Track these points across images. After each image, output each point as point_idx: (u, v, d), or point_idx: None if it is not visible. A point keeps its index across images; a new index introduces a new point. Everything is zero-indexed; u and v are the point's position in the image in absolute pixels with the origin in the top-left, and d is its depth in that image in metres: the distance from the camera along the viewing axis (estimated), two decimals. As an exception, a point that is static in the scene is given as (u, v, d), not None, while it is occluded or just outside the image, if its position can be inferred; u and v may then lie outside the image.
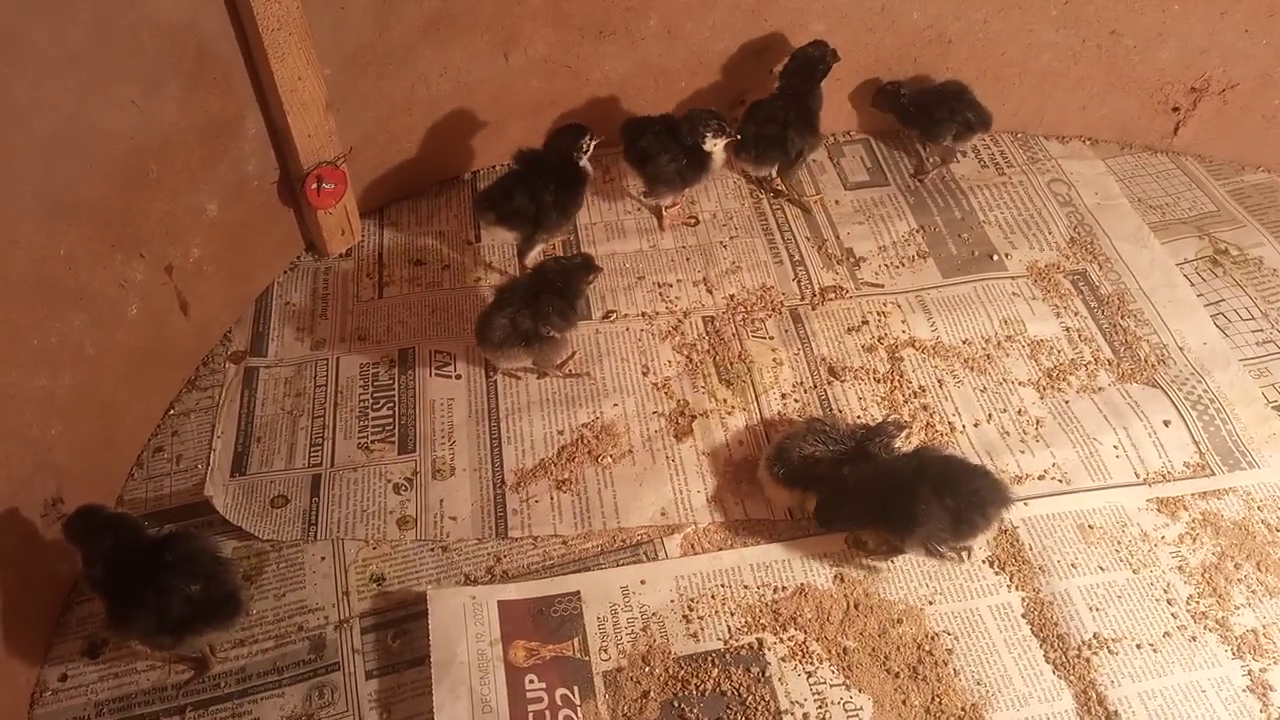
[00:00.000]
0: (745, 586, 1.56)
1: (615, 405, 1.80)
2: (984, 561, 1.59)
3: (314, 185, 1.89)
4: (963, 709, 1.43)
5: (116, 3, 1.45)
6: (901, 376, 1.83)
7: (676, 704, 1.44)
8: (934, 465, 1.54)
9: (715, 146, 2.00)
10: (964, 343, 1.89)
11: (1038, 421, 1.76)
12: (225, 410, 1.80)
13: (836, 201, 2.17)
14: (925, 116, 2.12)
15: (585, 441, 1.75)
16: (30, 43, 1.35)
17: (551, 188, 1.88)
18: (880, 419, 1.70)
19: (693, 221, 2.13)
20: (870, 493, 1.54)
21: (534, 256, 1.95)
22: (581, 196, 1.95)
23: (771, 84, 2.12)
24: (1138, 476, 1.69)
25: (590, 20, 2.04)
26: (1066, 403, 1.79)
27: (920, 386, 1.82)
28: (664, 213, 2.11)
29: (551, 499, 1.68)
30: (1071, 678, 1.46)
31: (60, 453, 1.52)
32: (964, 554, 1.58)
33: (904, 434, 1.64)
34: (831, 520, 1.59)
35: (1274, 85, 2.11)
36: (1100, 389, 1.81)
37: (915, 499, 1.49)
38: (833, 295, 1.98)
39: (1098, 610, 1.53)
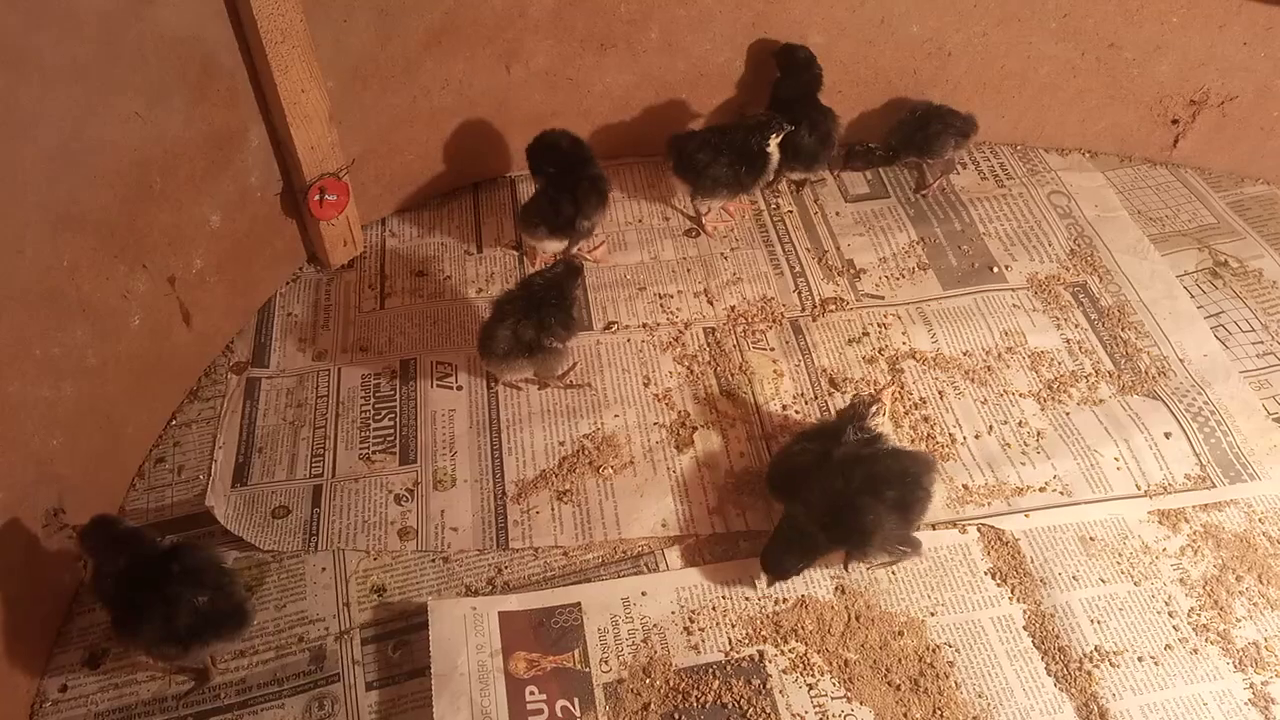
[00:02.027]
0: (746, 598, 1.56)
1: (616, 416, 1.81)
2: (985, 573, 1.59)
3: (316, 197, 1.90)
4: (964, 721, 1.43)
5: (122, 15, 1.46)
6: (902, 388, 1.83)
7: (677, 716, 1.43)
8: (855, 470, 1.51)
9: (773, 145, 2.03)
10: (964, 354, 1.89)
11: (1039, 433, 1.77)
12: (227, 421, 1.80)
13: (837, 213, 2.18)
14: (918, 136, 2.11)
15: (586, 452, 1.75)
16: (36, 54, 1.35)
17: (583, 184, 1.94)
18: (850, 401, 1.69)
19: (694, 232, 2.14)
20: (814, 521, 1.50)
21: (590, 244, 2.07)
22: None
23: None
24: (1139, 489, 1.69)
25: (592, 33, 2.06)
26: (1067, 414, 1.79)
27: (921, 398, 1.82)
28: (705, 219, 2.14)
29: (552, 510, 1.68)
30: (1073, 690, 1.46)
31: (62, 463, 1.52)
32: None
33: (874, 409, 1.62)
34: (782, 568, 1.52)
35: (1272, 98, 2.12)
36: (1101, 401, 1.81)
37: (859, 512, 1.47)
38: (833, 307, 1.98)
39: (1099, 623, 1.53)
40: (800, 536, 1.51)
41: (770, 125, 2.00)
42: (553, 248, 2.01)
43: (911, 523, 1.54)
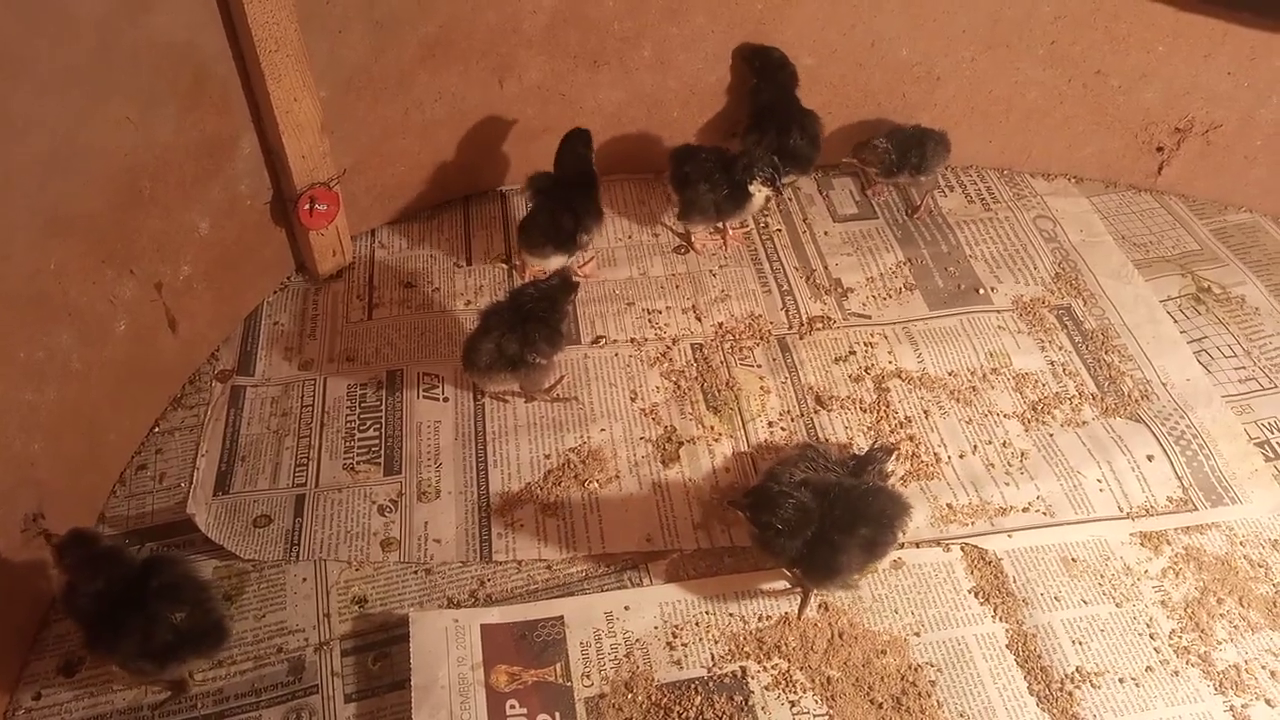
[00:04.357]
0: (730, 614, 1.56)
1: (603, 430, 1.80)
2: (969, 592, 1.59)
3: (307, 206, 1.90)
4: (946, 740, 1.43)
5: (117, 22, 1.47)
6: (888, 407, 1.84)
7: (658, 731, 1.43)
8: (837, 502, 1.48)
9: (759, 192, 2.01)
10: (950, 374, 1.90)
11: (1022, 454, 1.77)
12: (210, 429, 1.79)
13: (825, 233, 2.19)
14: (914, 155, 2.12)
15: (572, 466, 1.74)
16: (33, 60, 1.35)
17: (578, 198, 1.95)
18: (868, 447, 1.70)
19: (683, 249, 2.15)
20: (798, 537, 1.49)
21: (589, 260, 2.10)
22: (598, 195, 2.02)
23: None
24: (1121, 510, 1.70)
25: (585, 50, 2.07)
26: (1051, 436, 1.80)
27: (906, 417, 1.83)
28: (694, 237, 2.15)
29: (537, 523, 1.67)
30: (1055, 711, 1.46)
31: (43, 468, 1.51)
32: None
33: (894, 456, 1.63)
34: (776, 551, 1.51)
35: (1255, 126, 2.15)
36: (1084, 423, 1.82)
37: (835, 549, 1.46)
38: (820, 325, 1.99)
39: (1081, 643, 1.53)
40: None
41: (757, 168, 1.97)
42: (556, 264, 2.00)
43: (876, 559, 1.54)
